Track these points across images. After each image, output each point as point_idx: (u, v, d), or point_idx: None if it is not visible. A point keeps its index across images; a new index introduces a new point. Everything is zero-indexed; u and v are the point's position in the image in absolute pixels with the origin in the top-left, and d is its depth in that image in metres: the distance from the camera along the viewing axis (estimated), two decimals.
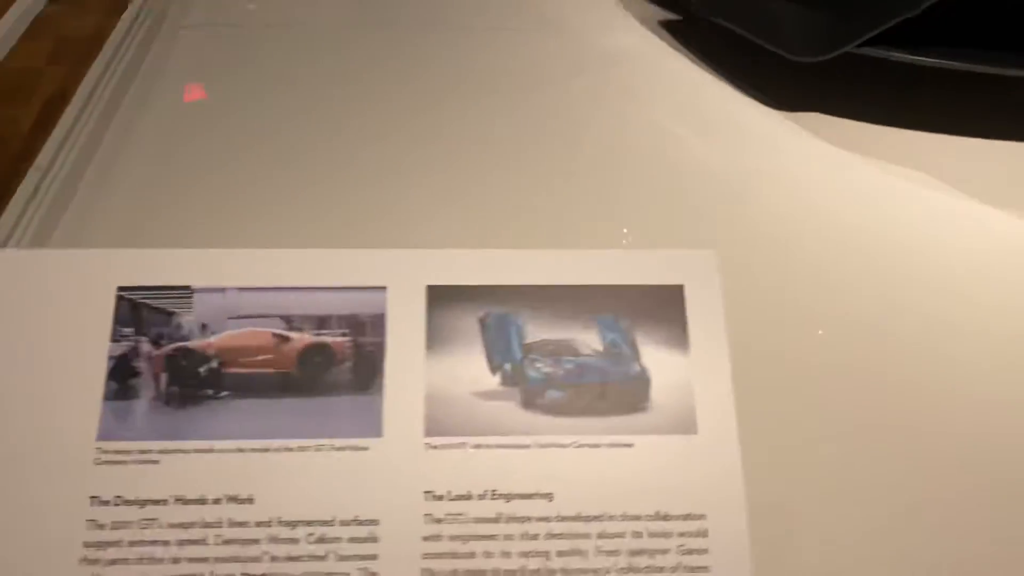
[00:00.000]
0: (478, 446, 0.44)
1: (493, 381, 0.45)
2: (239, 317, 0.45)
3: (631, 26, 1.12)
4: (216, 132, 0.94)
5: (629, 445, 0.44)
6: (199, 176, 0.88)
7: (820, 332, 0.69)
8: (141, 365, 0.44)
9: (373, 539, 0.42)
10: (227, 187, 0.85)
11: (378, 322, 0.46)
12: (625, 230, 0.81)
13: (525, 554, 0.42)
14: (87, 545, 0.41)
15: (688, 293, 0.47)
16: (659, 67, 1.05)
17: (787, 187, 0.85)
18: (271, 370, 0.45)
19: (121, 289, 0.45)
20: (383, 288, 0.46)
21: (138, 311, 0.45)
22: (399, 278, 0.46)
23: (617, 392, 0.45)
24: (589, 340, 0.46)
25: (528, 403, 0.45)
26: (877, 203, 0.85)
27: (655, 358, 0.46)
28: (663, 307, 0.47)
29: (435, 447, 0.44)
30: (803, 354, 0.67)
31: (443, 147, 0.90)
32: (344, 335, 0.45)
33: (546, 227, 0.77)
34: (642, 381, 0.45)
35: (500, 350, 0.46)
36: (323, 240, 0.76)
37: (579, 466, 0.44)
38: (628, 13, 1.15)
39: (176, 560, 0.41)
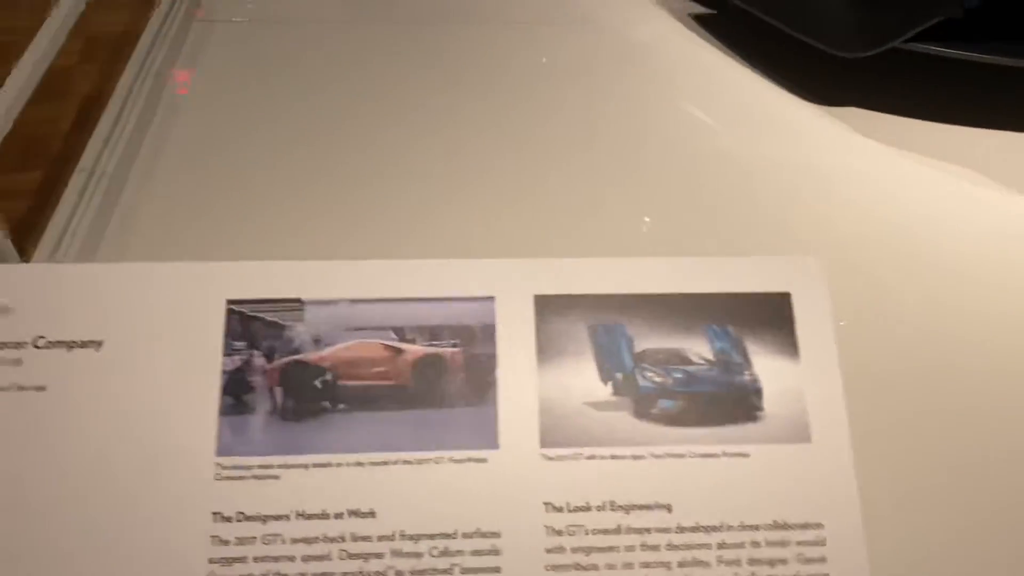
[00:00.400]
0: (592, 456, 0.44)
1: (605, 391, 0.45)
2: (351, 329, 0.45)
3: (664, 18, 1.12)
4: (262, 130, 0.93)
5: (745, 455, 0.44)
6: (247, 176, 0.87)
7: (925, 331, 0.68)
8: (255, 379, 0.44)
9: (496, 552, 0.42)
10: (282, 187, 0.84)
11: (488, 332, 0.46)
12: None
13: (647, 565, 0.43)
14: (212, 561, 0.41)
15: (795, 300, 0.47)
16: (701, 63, 1.04)
17: (861, 185, 0.85)
18: (386, 382, 0.45)
19: (231, 302, 0.45)
20: (491, 298, 0.46)
21: (249, 324, 0.45)
22: (507, 288, 0.46)
23: (729, 401, 0.45)
24: (699, 349, 0.46)
25: (641, 413, 0.45)
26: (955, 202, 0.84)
27: (765, 366, 0.46)
28: (770, 314, 0.47)
29: (551, 458, 0.44)
30: (906, 357, 0.67)
31: (493, 149, 0.90)
32: (455, 346, 0.45)
33: (618, 232, 0.77)
34: (754, 390, 0.45)
35: (611, 359, 0.46)
36: (389, 248, 0.76)
37: (696, 476, 0.44)
38: (661, 7, 1.15)
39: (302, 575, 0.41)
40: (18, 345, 0.44)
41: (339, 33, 1.10)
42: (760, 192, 0.84)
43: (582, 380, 0.45)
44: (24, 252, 0.81)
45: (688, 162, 0.88)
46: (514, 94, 0.99)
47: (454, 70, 1.02)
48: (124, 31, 1.15)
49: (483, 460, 0.44)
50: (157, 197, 0.85)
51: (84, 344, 0.44)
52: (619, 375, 0.46)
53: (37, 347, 0.44)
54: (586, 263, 0.47)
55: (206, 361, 0.44)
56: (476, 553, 0.42)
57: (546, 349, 0.46)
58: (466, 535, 0.42)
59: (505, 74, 1.02)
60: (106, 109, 0.97)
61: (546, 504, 0.43)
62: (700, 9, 1.15)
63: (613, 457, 0.44)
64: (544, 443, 0.44)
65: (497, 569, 0.42)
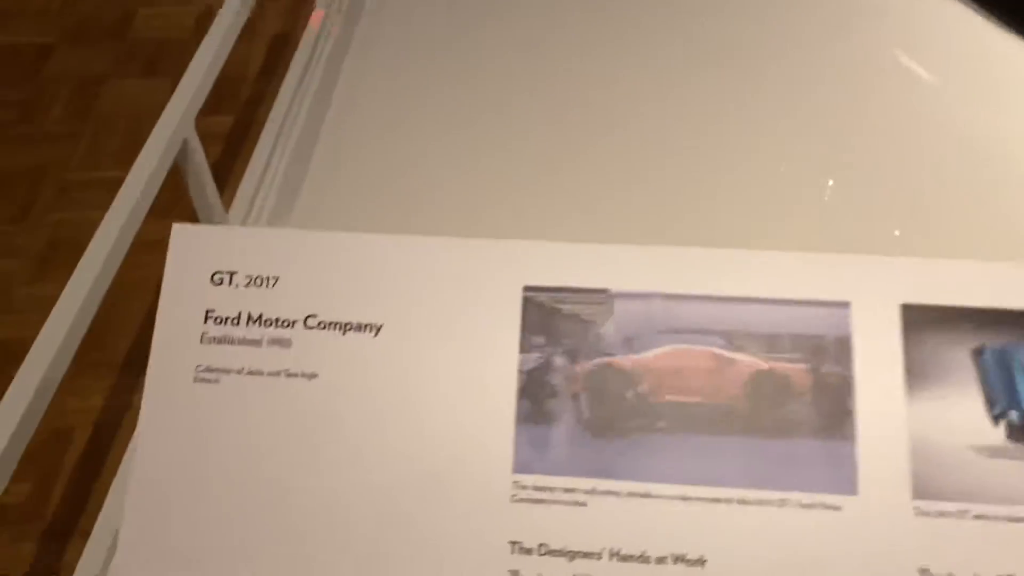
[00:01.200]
0: (982, 516, 0.35)
1: (997, 434, 0.36)
2: (667, 331, 0.38)
3: None
4: (467, 79, 0.86)
5: None
6: (453, 127, 0.80)
7: None
8: (558, 383, 0.37)
9: None
10: (493, 145, 0.77)
11: (842, 347, 0.37)
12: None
13: None
14: None
15: None
16: (930, 9, 0.90)
17: None
18: (713, 400, 0.37)
19: (528, 289, 0.39)
20: (846, 304, 0.38)
21: (549, 317, 0.38)
22: (866, 292, 0.38)
23: None
24: None
25: None
26: None
27: None
28: None
29: (927, 513, 0.35)
30: None
31: (721, 122, 0.80)
32: (799, 361, 0.37)
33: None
34: None
35: (1004, 393, 0.37)
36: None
37: None
38: None
39: None
40: (287, 323, 0.39)
41: None
42: None
43: (966, 417, 0.36)
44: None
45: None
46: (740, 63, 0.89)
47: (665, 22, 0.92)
48: None
49: (837, 508, 0.35)
50: (353, 146, 0.80)
51: (361, 327, 0.38)
52: (1014, 414, 0.36)
53: (308, 327, 0.39)
54: (967, 266, 0.38)
55: (500, 357, 0.37)
56: None
57: (917, 373, 0.37)
58: None
59: (720, 44, 0.91)
60: (295, 55, 0.93)
61: (922, 572, 0.35)
62: None
63: (1008, 519, 0.35)
64: (918, 493, 0.35)
65: None
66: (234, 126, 0.93)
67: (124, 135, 0.98)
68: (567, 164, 0.75)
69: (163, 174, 0.69)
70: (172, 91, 0.69)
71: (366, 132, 0.83)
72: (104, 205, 0.62)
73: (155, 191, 0.68)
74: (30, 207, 0.94)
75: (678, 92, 0.81)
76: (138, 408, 0.83)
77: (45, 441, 0.79)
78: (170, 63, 1.01)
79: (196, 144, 0.74)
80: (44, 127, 0.99)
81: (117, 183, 0.64)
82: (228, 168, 0.93)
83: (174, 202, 0.78)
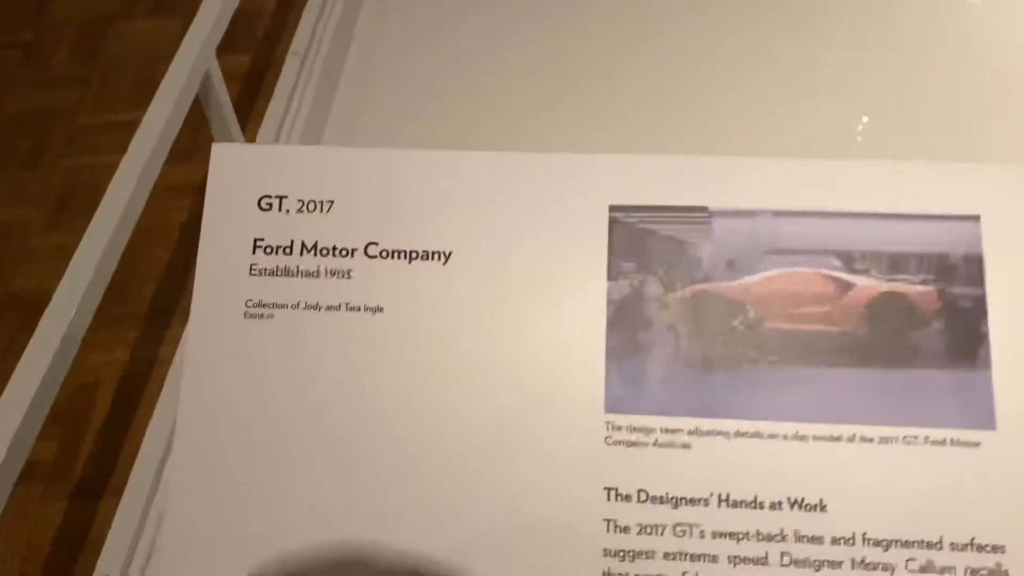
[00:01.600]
0: None
1: None
2: (776, 252, 0.34)
3: None
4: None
5: None
6: (482, 53, 0.75)
7: None
8: (652, 313, 0.33)
9: (1002, 573, 0.31)
10: (521, 68, 0.72)
11: (973, 266, 0.33)
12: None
13: None
14: (608, 554, 0.30)
15: None
16: None
17: None
18: (829, 328, 0.33)
19: (615, 209, 0.35)
20: (975, 217, 0.34)
21: (641, 240, 0.34)
22: (998, 204, 0.33)
23: None
24: None
25: None
26: None
27: None
28: None
29: None
30: None
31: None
32: (926, 282, 0.33)
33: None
34: None
35: None
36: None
37: None
38: None
39: None
40: (346, 252, 0.35)
41: None
42: None
43: None
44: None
45: None
46: None
47: None
48: None
49: (975, 444, 0.31)
50: (378, 81, 0.76)
51: (428, 255, 0.34)
52: None
53: (369, 256, 0.35)
54: None
55: (586, 286, 0.33)
56: (971, 572, 0.30)
57: None
58: (956, 546, 0.30)
59: None
60: None
61: None
62: None
63: None
64: None
65: None
66: (252, 65, 0.88)
67: (135, 77, 0.94)
68: (620, 78, 0.70)
69: (184, 110, 0.65)
70: (183, 31, 0.64)
71: (395, 63, 0.78)
72: (120, 150, 0.59)
73: (176, 129, 0.64)
74: (41, 153, 0.90)
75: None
76: (166, 361, 0.80)
77: (70, 397, 0.76)
78: (179, 1, 0.96)
79: (218, 77, 0.70)
80: (51, 70, 0.95)
81: (132, 127, 0.60)
82: (248, 110, 0.89)
83: (193, 147, 0.74)
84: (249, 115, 0.87)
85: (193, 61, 0.63)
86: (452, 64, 0.74)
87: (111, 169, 0.56)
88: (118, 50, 0.98)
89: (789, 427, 0.31)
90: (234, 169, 0.35)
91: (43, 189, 0.87)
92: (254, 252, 0.34)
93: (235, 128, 0.71)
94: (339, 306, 0.34)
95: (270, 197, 0.35)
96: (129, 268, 0.95)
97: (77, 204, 0.85)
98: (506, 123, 0.69)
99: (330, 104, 0.76)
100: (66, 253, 0.51)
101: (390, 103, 0.74)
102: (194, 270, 0.35)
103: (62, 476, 0.75)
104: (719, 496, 0.31)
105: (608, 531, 0.31)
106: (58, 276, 0.50)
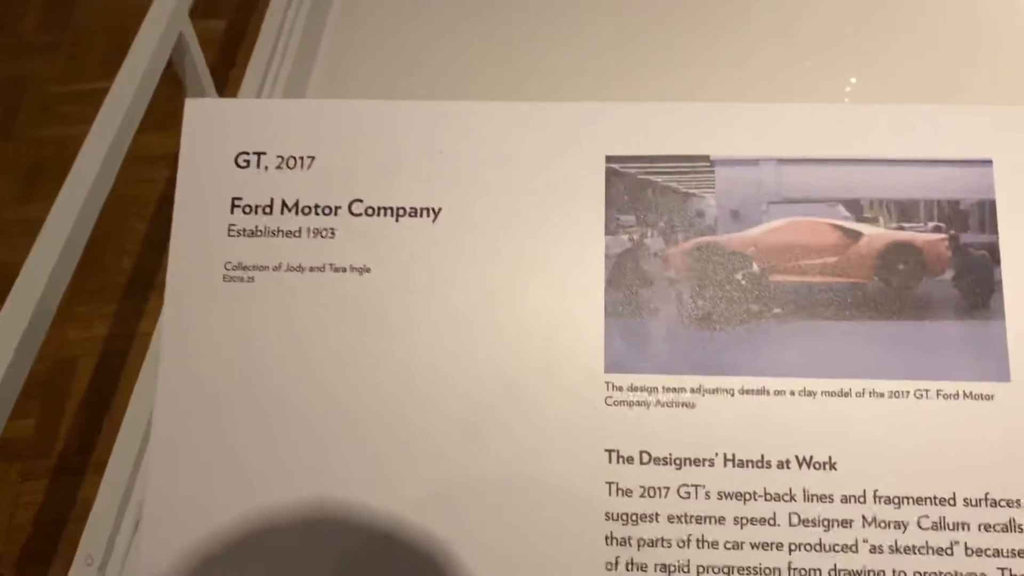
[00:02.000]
0: None
1: None
2: (781, 201, 0.33)
3: None
4: None
5: None
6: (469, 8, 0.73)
7: None
8: (652, 268, 0.32)
9: (1016, 528, 0.30)
10: (513, 19, 0.69)
11: (985, 212, 0.32)
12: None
13: None
14: (610, 518, 0.29)
15: None
16: None
17: None
18: (838, 279, 0.32)
19: (612, 159, 0.33)
20: (987, 162, 0.32)
21: (640, 191, 0.32)
22: (1010, 148, 0.32)
23: None
24: None
25: None
26: None
27: None
28: None
29: None
30: None
31: None
32: (937, 230, 0.32)
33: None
34: None
35: None
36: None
37: None
38: None
39: (736, 546, 0.30)
40: (329, 210, 0.33)
41: None
42: None
43: None
44: None
45: None
46: None
47: None
48: None
49: (988, 397, 0.30)
50: (366, 35, 0.73)
51: (416, 212, 0.33)
52: None
53: (354, 214, 0.33)
54: None
55: (583, 240, 0.32)
56: (985, 528, 0.30)
57: None
58: (970, 502, 0.30)
59: None
60: None
61: None
62: None
63: None
64: None
65: (1018, 552, 0.30)
66: (228, 29, 0.85)
67: (107, 45, 0.91)
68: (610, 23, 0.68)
69: (158, 73, 0.62)
70: None
71: (378, 20, 0.76)
72: (92, 119, 0.56)
73: (149, 93, 0.61)
74: (10, 124, 0.87)
75: None
76: (147, 334, 0.77)
77: (49, 373, 0.74)
78: None
79: (193, 38, 0.67)
80: (18, 38, 0.92)
81: (104, 95, 0.58)
82: (224, 77, 0.86)
83: (169, 116, 0.72)
84: (226, 82, 0.85)
85: (166, 21, 0.60)
86: (440, 14, 0.72)
87: (83, 139, 0.54)
88: (87, 17, 0.95)
89: (796, 383, 0.30)
90: (209, 125, 0.33)
91: (13, 161, 0.84)
92: (232, 212, 0.32)
93: (210, 88, 0.69)
94: (323, 267, 0.32)
95: (248, 154, 0.33)
96: (107, 241, 0.93)
97: (49, 176, 0.83)
98: (495, 77, 0.67)
99: (312, 62, 0.73)
100: (39, 227, 0.49)
101: (377, 66, 0.71)
102: None
103: (42, 454, 0.74)
104: (724, 456, 0.30)
105: (610, 494, 0.30)
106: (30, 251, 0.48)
